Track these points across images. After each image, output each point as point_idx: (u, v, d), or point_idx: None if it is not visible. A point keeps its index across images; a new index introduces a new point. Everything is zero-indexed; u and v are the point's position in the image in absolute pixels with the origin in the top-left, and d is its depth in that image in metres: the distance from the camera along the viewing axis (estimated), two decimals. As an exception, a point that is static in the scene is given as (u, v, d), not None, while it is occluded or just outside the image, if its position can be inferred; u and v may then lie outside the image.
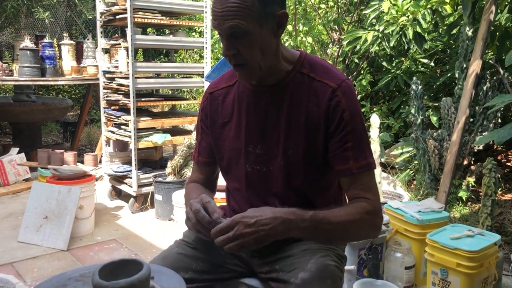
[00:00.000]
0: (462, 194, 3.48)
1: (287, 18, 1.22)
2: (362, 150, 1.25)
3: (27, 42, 4.37)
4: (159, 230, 3.34)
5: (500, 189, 3.65)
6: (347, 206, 1.26)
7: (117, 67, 3.70)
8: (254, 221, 1.12)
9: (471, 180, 3.56)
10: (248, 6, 1.13)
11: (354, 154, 1.24)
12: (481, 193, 2.78)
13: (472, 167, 3.63)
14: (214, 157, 1.45)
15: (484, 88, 3.51)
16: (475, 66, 3.10)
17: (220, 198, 2.95)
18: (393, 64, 4.66)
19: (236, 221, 1.12)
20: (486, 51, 3.73)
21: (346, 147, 1.24)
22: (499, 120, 3.55)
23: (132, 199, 3.69)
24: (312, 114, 1.25)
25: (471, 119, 3.55)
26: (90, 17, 6.08)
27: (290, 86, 1.28)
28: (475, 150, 3.61)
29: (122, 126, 3.75)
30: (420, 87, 3.74)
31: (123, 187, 3.80)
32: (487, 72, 3.57)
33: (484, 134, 3.51)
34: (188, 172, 3.59)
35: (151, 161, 3.99)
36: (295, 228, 1.15)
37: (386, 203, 2.59)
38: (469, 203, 3.58)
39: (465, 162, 3.60)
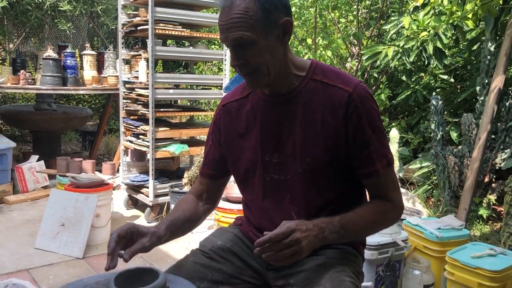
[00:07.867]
0: (483, 212, 3.40)
1: (291, 25, 1.22)
2: (383, 149, 1.27)
3: (50, 52, 4.44)
4: (174, 240, 3.32)
5: (522, 208, 3.56)
6: (374, 205, 1.28)
7: (137, 77, 3.74)
8: (305, 228, 1.13)
9: (492, 198, 3.48)
10: (251, 16, 1.15)
11: (378, 155, 1.25)
12: (502, 212, 2.72)
13: (494, 185, 3.56)
14: (218, 171, 1.45)
15: (507, 104, 3.45)
16: (498, 82, 3.05)
17: (236, 209, 2.95)
18: (413, 79, 4.62)
19: (292, 228, 1.11)
20: (509, 67, 3.68)
21: (369, 150, 1.24)
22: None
23: (148, 208, 3.70)
24: (329, 120, 1.24)
25: (493, 136, 3.48)
26: (112, 27, 6.17)
27: (303, 93, 1.28)
28: (497, 168, 3.54)
29: (141, 136, 3.78)
30: (440, 102, 3.70)
31: (139, 196, 3.82)
32: (510, 88, 3.52)
33: (506, 151, 3.45)
34: (204, 183, 3.58)
35: (168, 171, 4.00)
36: (327, 235, 1.18)
37: (405, 219, 2.54)
38: (490, 221, 3.50)
39: (486, 180, 3.53)
